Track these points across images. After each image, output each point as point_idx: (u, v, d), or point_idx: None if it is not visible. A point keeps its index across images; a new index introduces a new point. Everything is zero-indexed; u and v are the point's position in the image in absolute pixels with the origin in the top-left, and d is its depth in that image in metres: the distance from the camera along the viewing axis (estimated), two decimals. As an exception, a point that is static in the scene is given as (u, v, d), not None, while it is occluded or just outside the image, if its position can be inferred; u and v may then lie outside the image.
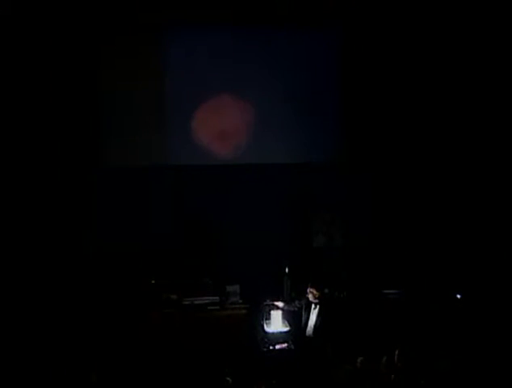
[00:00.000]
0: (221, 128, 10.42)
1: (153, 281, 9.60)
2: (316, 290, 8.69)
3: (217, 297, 9.53)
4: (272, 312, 9.04)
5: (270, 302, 9.25)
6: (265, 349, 8.83)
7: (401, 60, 10.50)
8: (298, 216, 10.53)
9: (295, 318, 8.95)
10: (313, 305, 8.71)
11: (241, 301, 9.58)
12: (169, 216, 10.17)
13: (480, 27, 10.12)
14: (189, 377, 7.91)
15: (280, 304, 9.09)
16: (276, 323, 8.98)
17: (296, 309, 8.95)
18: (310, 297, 8.72)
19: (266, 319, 9.08)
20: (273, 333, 8.91)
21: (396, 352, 7.23)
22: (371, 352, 7.71)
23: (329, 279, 9.87)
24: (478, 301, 9.59)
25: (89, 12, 9.86)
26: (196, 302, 9.47)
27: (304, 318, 8.76)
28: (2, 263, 9.41)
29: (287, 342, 8.84)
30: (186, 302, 9.47)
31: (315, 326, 8.64)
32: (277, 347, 8.80)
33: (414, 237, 10.48)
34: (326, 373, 7.45)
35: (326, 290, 9.55)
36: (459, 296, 9.75)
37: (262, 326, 9.06)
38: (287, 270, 9.61)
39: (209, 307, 9.46)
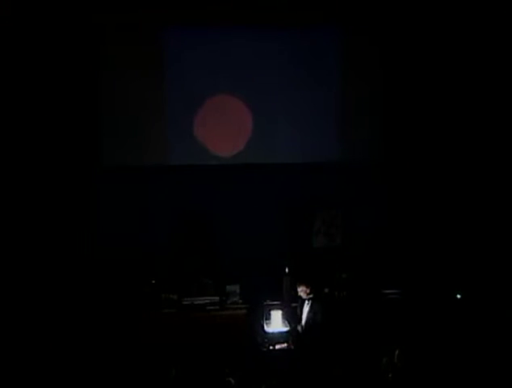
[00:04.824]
0: (221, 127, 10.41)
1: (153, 281, 9.61)
2: (306, 286, 8.69)
3: (217, 297, 9.54)
4: (272, 312, 9.04)
5: (271, 302, 9.27)
6: (265, 349, 8.83)
7: (401, 58, 10.49)
8: (298, 216, 10.52)
9: (293, 317, 8.97)
10: (306, 302, 8.72)
11: (241, 301, 9.60)
12: (169, 216, 10.16)
13: (481, 22, 10.13)
14: (189, 378, 7.91)
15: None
16: (276, 323, 8.98)
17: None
18: (302, 294, 8.72)
19: (266, 319, 9.08)
20: (273, 333, 8.91)
21: (396, 352, 7.23)
22: (371, 351, 7.72)
23: (328, 279, 9.90)
24: (478, 301, 9.59)
25: (89, 12, 9.87)
26: (196, 302, 9.48)
27: (298, 317, 8.77)
28: (2, 265, 9.40)
29: (287, 342, 8.83)
30: (186, 302, 9.49)
31: (306, 322, 8.64)
32: (277, 347, 8.79)
33: (414, 237, 10.49)
34: (324, 374, 7.45)
35: (326, 290, 9.61)
36: (459, 296, 9.76)
37: (262, 326, 9.06)
38: (287, 270, 9.60)
39: (209, 307, 9.47)
